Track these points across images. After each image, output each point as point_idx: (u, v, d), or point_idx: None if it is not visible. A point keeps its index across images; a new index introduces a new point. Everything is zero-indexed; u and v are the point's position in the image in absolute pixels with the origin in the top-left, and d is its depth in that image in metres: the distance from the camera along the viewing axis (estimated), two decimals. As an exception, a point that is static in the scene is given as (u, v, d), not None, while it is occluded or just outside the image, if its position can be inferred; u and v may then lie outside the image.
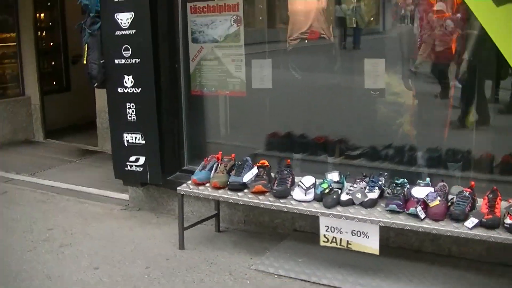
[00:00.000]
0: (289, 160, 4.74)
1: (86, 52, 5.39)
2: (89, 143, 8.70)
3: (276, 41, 5.50)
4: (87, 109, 9.93)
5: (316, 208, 4.05)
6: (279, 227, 4.96)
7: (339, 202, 4.04)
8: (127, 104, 5.25)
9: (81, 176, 7.10)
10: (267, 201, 4.23)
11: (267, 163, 4.50)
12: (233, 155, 4.79)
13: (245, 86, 5.22)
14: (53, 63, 9.99)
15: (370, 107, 5.11)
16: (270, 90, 5.25)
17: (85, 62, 5.40)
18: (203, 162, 4.77)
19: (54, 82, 9.98)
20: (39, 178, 7.10)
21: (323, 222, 3.96)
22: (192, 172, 4.90)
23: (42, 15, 9.58)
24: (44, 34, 9.61)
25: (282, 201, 4.21)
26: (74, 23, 9.81)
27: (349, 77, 5.30)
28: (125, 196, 6.07)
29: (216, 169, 4.67)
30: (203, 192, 4.52)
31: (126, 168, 5.38)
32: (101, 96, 7.76)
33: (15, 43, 9.23)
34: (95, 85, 5.41)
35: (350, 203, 4.03)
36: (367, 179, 4.17)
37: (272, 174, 4.50)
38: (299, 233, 4.91)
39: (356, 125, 5.19)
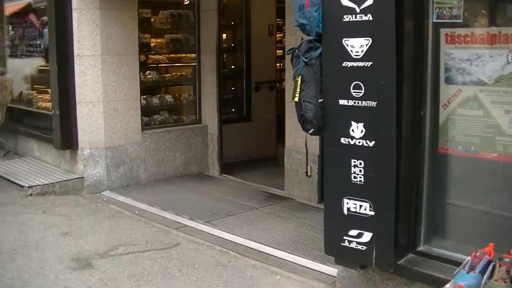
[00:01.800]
0: None
1: (299, 87, 4.13)
2: (273, 184, 7.55)
3: None
4: (268, 142, 8.92)
5: None
6: None
7: None
8: (353, 160, 3.92)
9: (268, 231, 5.89)
10: None
11: None
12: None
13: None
14: (233, 88, 9.00)
15: None
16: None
17: (296, 99, 4.14)
18: (469, 259, 3.28)
19: (233, 110, 8.96)
20: (217, 228, 6.01)
21: None
22: (430, 256, 3.83)
23: (224, 36, 8.61)
24: (225, 56, 8.70)
25: None
26: (259, 45, 9.06)
27: None
28: (329, 269, 4.78)
29: (491, 273, 3.17)
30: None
31: (342, 244, 4.05)
32: (292, 133, 6.54)
33: (195, 65, 8.30)
34: (309, 131, 4.11)
35: None
36: None
37: None
38: None
39: None
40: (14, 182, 7.40)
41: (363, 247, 3.96)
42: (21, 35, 9.96)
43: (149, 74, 8.07)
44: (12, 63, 10.23)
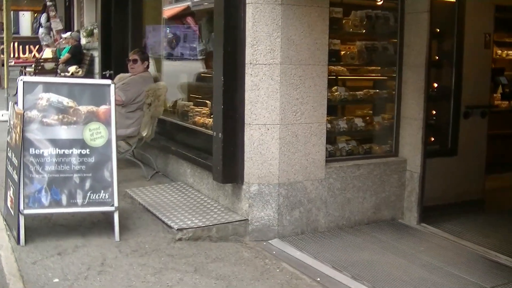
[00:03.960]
0: None
1: None
2: (495, 247, 5.51)
3: None
4: (475, 182, 6.84)
5: None
6: None
7: None
8: None
9: None
10: None
11: None
12: None
13: None
14: (434, 112, 6.97)
15: None
16: None
17: None
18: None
19: (434, 140, 6.93)
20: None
21: None
22: None
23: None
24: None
25: None
26: (473, 60, 6.96)
27: None
28: None
29: None
30: None
31: None
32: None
33: (393, 82, 6.39)
34: None
35: None
36: None
37: None
38: None
39: None
40: (160, 219, 5.88)
41: None
42: (178, 38, 8.71)
43: (336, 91, 6.27)
44: (168, 68, 8.92)
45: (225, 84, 5.61)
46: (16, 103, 5.39)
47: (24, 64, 18.66)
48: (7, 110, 8.48)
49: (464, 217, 6.59)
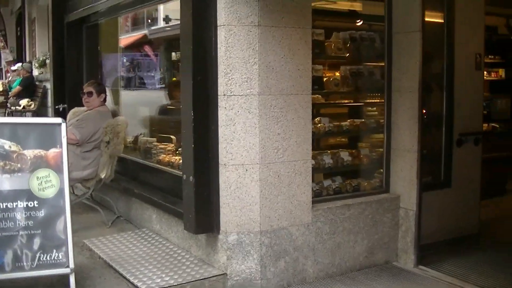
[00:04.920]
0: None
1: None
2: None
3: None
4: (469, 216, 6.24)
5: None
6: None
7: None
8: None
9: None
10: None
11: None
12: None
13: None
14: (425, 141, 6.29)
15: None
16: None
17: None
18: None
19: (425, 171, 6.24)
20: None
21: None
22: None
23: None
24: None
25: None
26: (464, 82, 6.39)
27: None
28: None
29: None
30: None
31: None
32: None
33: (381, 109, 5.73)
34: None
35: None
36: None
37: None
38: None
39: None
40: (125, 278, 5.05)
41: None
42: (137, 67, 8.01)
43: (319, 122, 5.55)
44: (127, 100, 8.14)
45: (196, 119, 4.86)
46: None
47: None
48: None
49: (462, 255, 5.99)
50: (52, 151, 4.68)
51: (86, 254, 5.79)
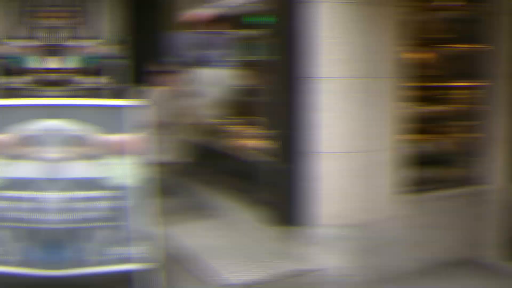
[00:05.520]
0: None
1: None
2: None
3: None
4: None
5: None
6: None
7: None
8: None
9: None
10: None
11: None
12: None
13: None
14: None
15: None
16: None
17: None
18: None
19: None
20: None
21: None
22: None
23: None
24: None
25: None
26: None
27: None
28: None
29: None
30: None
31: None
32: None
33: (478, 96, 5.29)
34: None
35: None
36: None
37: None
38: None
39: None
40: (208, 270, 4.81)
41: None
42: (211, 46, 7.76)
43: (414, 107, 5.16)
44: (201, 80, 7.86)
45: (280, 104, 4.54)
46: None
47: None
48: None
49: None
50: (132, 136, 4.37)
51: (166, 245, 5.55)
